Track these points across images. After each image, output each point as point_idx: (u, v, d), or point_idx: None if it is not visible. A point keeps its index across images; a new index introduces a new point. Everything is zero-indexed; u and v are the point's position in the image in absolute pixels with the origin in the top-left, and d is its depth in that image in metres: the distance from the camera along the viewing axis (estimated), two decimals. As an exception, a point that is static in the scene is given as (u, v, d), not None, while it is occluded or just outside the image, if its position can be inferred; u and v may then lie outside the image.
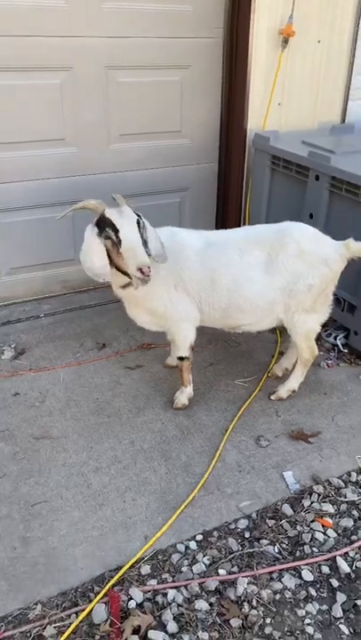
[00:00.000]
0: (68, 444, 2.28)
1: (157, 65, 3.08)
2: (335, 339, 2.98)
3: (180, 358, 2.41)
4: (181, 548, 1.86)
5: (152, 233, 2.08)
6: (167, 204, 3.49)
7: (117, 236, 1.95)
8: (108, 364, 2.80)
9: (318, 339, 3.02)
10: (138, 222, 1.99)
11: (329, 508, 2.02)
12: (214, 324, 2.40)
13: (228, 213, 3.59)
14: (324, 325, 3.09)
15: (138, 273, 1.93)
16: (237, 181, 3.46)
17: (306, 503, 2.03)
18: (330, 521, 1.96)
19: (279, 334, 3.02)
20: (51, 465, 2.17)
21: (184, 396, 2.47)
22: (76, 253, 3.29)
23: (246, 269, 2.25)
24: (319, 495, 2.07)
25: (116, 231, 1.95)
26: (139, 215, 2.02)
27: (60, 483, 2.09)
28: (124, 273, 2.03)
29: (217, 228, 3.67)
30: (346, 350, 2.93)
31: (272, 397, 2.57)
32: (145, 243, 1.98)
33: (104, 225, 1.98)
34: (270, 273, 2.25)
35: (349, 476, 2.17)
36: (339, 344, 2.95)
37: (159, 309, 2.27)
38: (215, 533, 1.91)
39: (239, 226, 3.51)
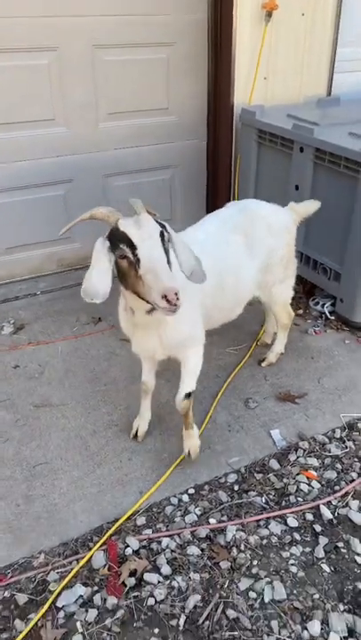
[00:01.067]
0: (66, 411, 2.40)
1: (143, 43, 3.13)
2: (323, 307, 3.08)
3: (188, 395, 2.03)
4: (174, 500, 1.98)
5: (182, 246, 1.66)
6: (158, 181, 3.56)
7: (135, 254, 1.52)
8: (104, 337, 2.90)
9: (306, 306, 3.14)
10: (162, 235, 1.57)
11: (314, 462, 2.14)
12: (208, 327, 2.14)
13: (218, 188, 3.67)
14: (312, 294, 3.22)
15: (163, 302, 1.48)
16: (226, 156, 3.53)
17: (292, 458, 2.16)
18: (314, 473, 2.09)
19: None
20: (51, 430, 2.29)
21: (195, 439, 2.13)
22: (71, 232, 3.38)
23: (240, 262, 2.17)
24: (305, 450, 2.19)
25: (132, 248, 1.52)
26: (163, 225, 1.60)
27: (60, 445, 2.22)
28: (146, 300, 1.60)
29: (207, 202, 3.75)
30: (333, 317, 3.03)
31: (263, 364, 2.67)
32: (169, 259, 1.59)
33: (117, 240, 1.56)
34: (252, 257, 2.22)
35: (334, 432, 2.28)
36: (326, 312, 3.05)
37: (187, 334, 1.93)
38: (206, 487, 2.04)
39: (229, 200, 3.59)
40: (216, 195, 3.70)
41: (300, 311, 3.11)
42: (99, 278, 1.58)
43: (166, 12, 3.10)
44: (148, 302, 1.60)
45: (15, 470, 2.11)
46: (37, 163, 3.15)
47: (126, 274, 1.58)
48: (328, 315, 3.04)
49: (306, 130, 2.84)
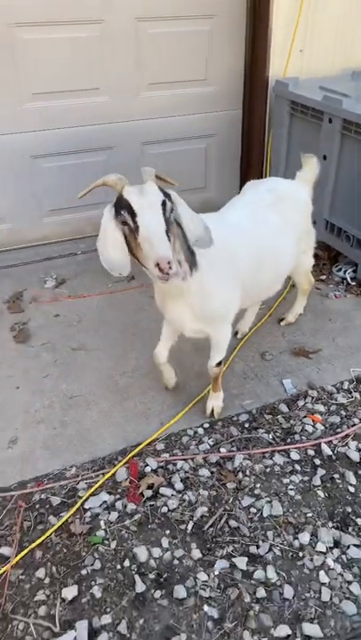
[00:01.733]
0: (99, 355, 2.67)
1: (184, 16, 3.28)
2: (345, 273, 3.23)
3: (218, 363, 2.18)
4: (190, 432, 2.23)
5: (189, 215, 1.68)
6: (193, 150, 3.74)
7: (134, 222, 1.55)
8: (135, 294, 3.15)
9: (329, 272, 3.30)
10: (164, 204, 1.58)
11: (320, 407, 2.35)
12: (246, 303, 2.26)
13: (251, 158, 3.81)
14: (335, 261, 3.37)
15: (155, 270, 1.52)
16: (260, 127, 3.67)
17: (300, 403, 2.37)
18: (320, 417, 2.29)
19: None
20: (85, 369, 2.57)
21: (220, 400, 2.31)
22: (108, 196, 3.63)
23: (277, 239, 2.22)
24: (313, 398, 2.40)
25: (133, 215, 1.55)
26: (167, 195, 1.61)
27: (93, 382, 2.49)
28: (145, 267, 1.64)
29: (241, 171, 3.91)
30: (354, 283, 3.18)
31: (282, 323, 2.86)
32: (176, 229, 1.64)
33: (121, 207, 1.59)
34: (287, 233, 2.27)
35: (342, 384, 2.48)
36: (348, 277, 3.20)
37: (216, 309, 1.98)
38: (220, 423, 2.28)
39: (261, 170, 3.74)
40: (249, 164, 3.85)
41: (323, 277, 3.27)
42: (115, 251, 1.61)
43: (207, -15, 3.25)
44: (147, 269, 1.62)
45: (53, 400, 2.40)
46: (82, 130, 3.38)
47: (128, 240, 1.62)
48: (349, 280, 3.19)
49: (335, 101, 2.96)
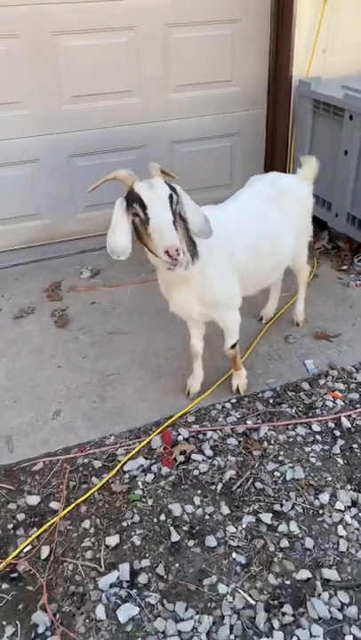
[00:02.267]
0: (133, 338, 2.88)
1: (211, 21, 3.47)
2: (365, 263, 3.38)
3: (233, 346, 2.35)
4: (219, 407, 2.42)
5: (191, 207, 1.84)
6: (219, 148, 3.92)
7: (145, 214, 1.71)
8: (167, 283, 3.34)
9: (351, 263, 3.45)
10: (170, 197, 1.73)
11: (340, 386, 2.51)
12: (248, 291, 2.35)
13: (275, 155, 3.98)
14: (357, 252, 3.51)
15: (165, 256, 1.67)
16: (284, 125, 3.83)
17: (321, 382, 2.53)
18: (340, 394, 2.45)
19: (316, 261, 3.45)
20: (120, 351, 2.78)
21: (243, 378, 2.48)
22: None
23: (276, 230, 2.33)
24: (333, 377, 2.56)
25: (143, 207, 1.71)
26: (173, 189, 1.77)
27: (128, 362, 2.70)
28: (155, 255, 1.79)
29: (265, 168, 4.07)
30: (374, 273, 3.32)
31: (299, 325, 2.88)
32: (179, 220, 1.78)
33: (132, 200, 1.74)
34: (287, 225, 2.38)
35: (361, 365, 2.63)
36: (368, 267, 3.35)
37: (217, 296, 2.13)
38: (245, 399, 2.46)
39: (286, 166, 3.91)
40: (273, 161, 4.01)
41: (345, 267, 3.42)
42: (120, 236, 1.77)
43: (233, -8, 3.43)
44: (157, 256, 1.77)
45: (92, 378, 2.61)
46: (115, 130, 3.59)
47: (139, 230, 1.77)
48: (370, 270, 3.34)
49: (355, 99, 3.11)
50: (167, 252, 1.66)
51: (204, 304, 2.12)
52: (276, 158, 3.99)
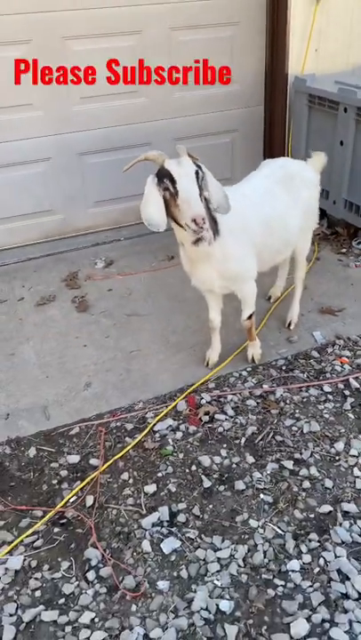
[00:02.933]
0: (151, 319, 3.08)
1: (212, 23, 3.70)
2: (363, 245, 3.60)
3: (249, 317, 2.55)
4: (236, 374, 2.63)
5: (213, 184, 2.04)
6: (221, 144, 4.14)
7: (175, 187, 1.91)
8: (177, 270, 3.48)
9: (349, 246, 3.67)
10: (197, 173, 1.94)
11: (347, 353, 2.72)
12: (262, 267, 2.52)
13: (273, 149, 4.21)
14: (355, 236, 3.74)
15: (192, 224, 1.88)
16: (281, 120, 4.06)
17: (329, 350, 2.74)
18: (347, 359, 2.66)
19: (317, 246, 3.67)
20: (140, 330, 2.98)
21: (257, 348, 2.67)
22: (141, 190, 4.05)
23: (286, 210, 2.51)
24: (340, 346, 2.77)
25: (173, 182, 1.91)
26: (199, 166, 1.98)
27: (148, 340, 2.90)
28: (181, 226, 2.00)
29: (264, 162, 4.30)
30: (372, 254, 3.55)
31: (291, 327, 2.91)
32: (203, 194, 1.98)
33: (162, 176, 1.95)
34: (295, 205, 2.54)
35: (365, 334, 2.85)
36: (366, 250, 3.58)
37: (236, 269, 2.32)
38: (260, 367, 2.66)
39: (283, 159, 4.13)
40: (272, 155, 4.22)
41: (344, 250, 3.65)
42: (155, 210, 1.98)
43: (232, -3, 3.68)
44: (184, 228, 1.97)
45: (117, 354, 2.81)
46: (122, 128, 3.81)
47: (168, 203, 1.97)
48: (368, 252, 3.57)
49: (350, 92, 3.35)
50: (194, 220, 1.87)
51: (225, 278, 2.32)
52: (275, 152, 4.21)
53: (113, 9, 3.44)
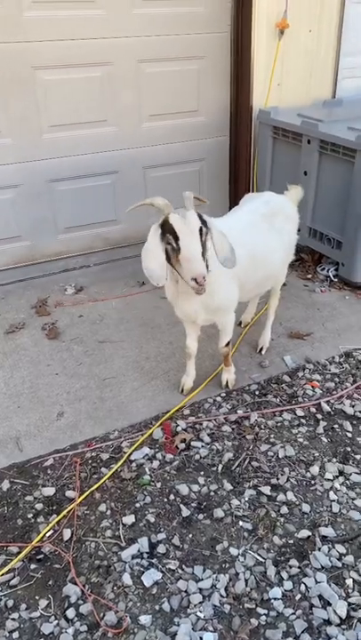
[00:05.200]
0: (124, 345, 3.07)
1: (178, 57, 3.81)
2: (328, 271, 3.72)
3: (227, 344, 2.58)
4: (211, 400, 2.64)
5: (219, 238, 2.05)
6: (188, 172, 4.23)
7: (177, 244, 1.92)
8: (148, 295, 3.57)
9: (314, 272, 3.78)
10: (201, 230, 1.95)
11: (317, 377, 2.78)
12: (243, 298, 2.59)
13: (238, 177, 4.33)
14: (319, 262, 3.86)
15: (192, 282, 1.92)
16: (246, 150, 4.19)
17: (300, 374, 2.80)
18: (318, 383, 2.72)
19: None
20: (113, 357, 2.97)
21: (232, 373, 2.71)
22: (116, 215, 4.10)
23: (270, 244, 2.56)
24: (310, 370, 2.83)
25: (176, 238, 1.92)
26: (204, 221, 1.99)
27: (122, 367, 2.89)
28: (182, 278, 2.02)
29: (230, 190, 4.41)
30: (336, 280, 3.66)
31: (262, 353, 2.96)
32: (206, 251, 1.98)
33: (166, 230, 1.95)
34: (278, 239, 2.61)
35: (333, 358, 2.92)
36: (330, 275, 3.69)
37: (221, 303, 2.36)
38: (234, 392, 2.69)
39: (248, 187, 4.25)
40: (237, 183, 4.36)
41: (310, 276, 3.75)
42: (157, 265, 1.98)
43: (198, 31, 3.79)
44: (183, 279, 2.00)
45: (90, 382, 2.79)
46: (92, 156, 3.84)
47: (170, 256, 2.00)
48: (332, 278, 3.68)
49: (312, 125, 3.49)
50: (195, 279, 1.91)
51: (209, 310, 2.35)
52: (240, 180, 4.34)
53: (83, 41, 3.50)
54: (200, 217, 1.98)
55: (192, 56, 3.86)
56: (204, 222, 1.98)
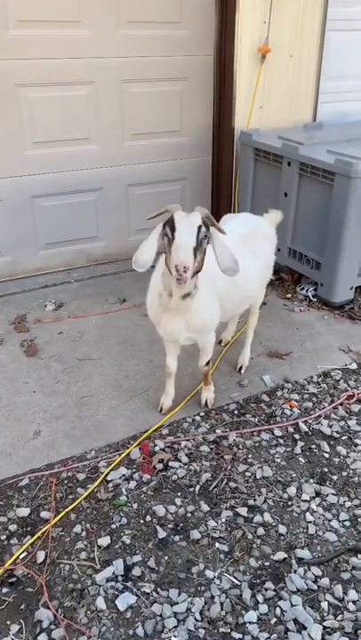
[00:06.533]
0: (103, 363, 3.06)
1: (162, 78, 3.87)
2: (307, 291, 3.76)
3: (207, 363, 2.60)
4: (189, 419, 2.64)
5: (220, 247, 2.08)
6: (170, 191, 4.26)
7: (173, 235, 1.96)
8: (129, 313, 3.57)
9: (294, 292, 3.82)
10: (200, 228, 1.97)
11: (295, 396, 2.80)
12: (223, 317, 2.57)
13: (220, 197, 4.38)
14: (298, 282, 3.90)
15: (174, 271, 1.94)
16: (228, 171, 4.25)
17: (279, 394, 2.81)
18: (296, 403, 2.74)
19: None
20: (92, 375, 2.95)
21: (211, 392, 2.73)
22: (98, 232, 4.11)
23: (248, 264, 2.49)
24: (289, 389, 2.85)
25: (173, 230, 1.96)
26: (207, 226, 2.02)
27: (100, 385, 2.87)
28: (170, 270, 2.03)
29: (212, 208, 4.45)
30: (315, 300, 3.71)
31: (242, 371, 2.98)
32: (200, 249, 1.99)
33: (167, 224, 2.00)
34: (255, 260, 2.61)
35: (312, 378, 2.94)
36: (310, 295, 3.73)
37: (205, 322, 2.38)
38: (213, 412, 2.69)
39: (230, 207, 4.30)
40: (219, 203, 4.40)
41: (289, 295, 3.79)
42: (146, 249, 2.06)
43: (182, 54, 3.86)
44: (171, 273, 2.00)
45: (67, 400, 2.76)
46: (74, 174, 3.86)
47: (165, 249, 2.05)
48: (311, 298, 3.72)
49: (293, 148, 3.56)
50: (176, 266, 1.91)
51: (193, 329, 2.36)
52: (222, 200, 4.39)
53: (68, 60, 3.54)
54: (206, 223, 2.02)
55: (175, 77, 3.92)
56: (207, 227, 2.02)
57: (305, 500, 2.19)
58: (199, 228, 1.98)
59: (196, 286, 2.18)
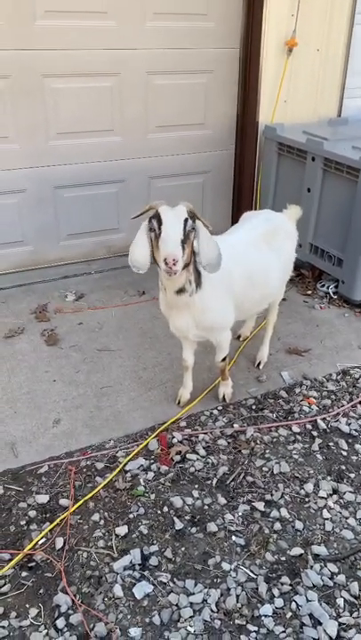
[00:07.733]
0: (122, 354, 3.08)
1: (187, 70, 3.85)
2: (328, 288, 3.74)
3: (223, 359, 2.59)
4: (207, 413, 2.65)
5: (206, 241, 2.04)
6: (192, 184, 4.26)
7: (160, 229, 1.94)
8: (148, 306, 3.58)
9: (314, 288, 3.80)
10: (186, 220, 1.95)
11: (314, 393, 2.79)
12: (240, 317, 2.58)
13: (242, 191, 4.36)
14: (319, 278, 3.88)
15: (163, 264, 1.91)
16: (251, 165, 4.23)
17: (297, 390, 2.81)
18: (314, 400, 2.73)
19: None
20: (111, 366, 2.98)
21: (229, 387, 2.72)
22: (119, 223, 4.12)
23: (268, 263, 2.54)
24: (307, 386, 2.84)
25: (159, 223, 1.95)
26: (193, 219, 1.99)
27: (119, 376, 2.89)
28: (158, 264, 2.02)
29: (233, 203, 4.44)
30: (336, 297, 3.68)
31: (260, 367, 2.97)
32: (187, 242, 1.96)
33: (153, 218, 1.98)
34: (277, 258, 2.60)
35: (331, 375, 2.93)
36: (330, 292, 3.71)
37: (214, 321, 2.36)
38: (231, 406, 2.70)
39: (252, 201, 4.28)
40: (241, 197, 4.39)
41: (309, 292, 3.77)
42: (140, 251, 2.03)
43: (208, 46, 3.84)
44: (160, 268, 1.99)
45: (87, 390, 2.79)
46: (98, 165, 3.87)
47: (152, 243, 2.00)
48: (332, 295, 3.70)
49: (317, 143, 3.53)
50: (165, 259, 1.89)
51: (201, 328, 2.35)
52: (244, 194, 4.37)
53: (93, 51, 3.54)
54: (191, 216, 1.99)
55: (201, 70, 3.90)
56: (193, 219, 1.99)
57: (322, 497, 2.19)
58: (185, 220, 1.96)
59: (191, 282, 2.14)
